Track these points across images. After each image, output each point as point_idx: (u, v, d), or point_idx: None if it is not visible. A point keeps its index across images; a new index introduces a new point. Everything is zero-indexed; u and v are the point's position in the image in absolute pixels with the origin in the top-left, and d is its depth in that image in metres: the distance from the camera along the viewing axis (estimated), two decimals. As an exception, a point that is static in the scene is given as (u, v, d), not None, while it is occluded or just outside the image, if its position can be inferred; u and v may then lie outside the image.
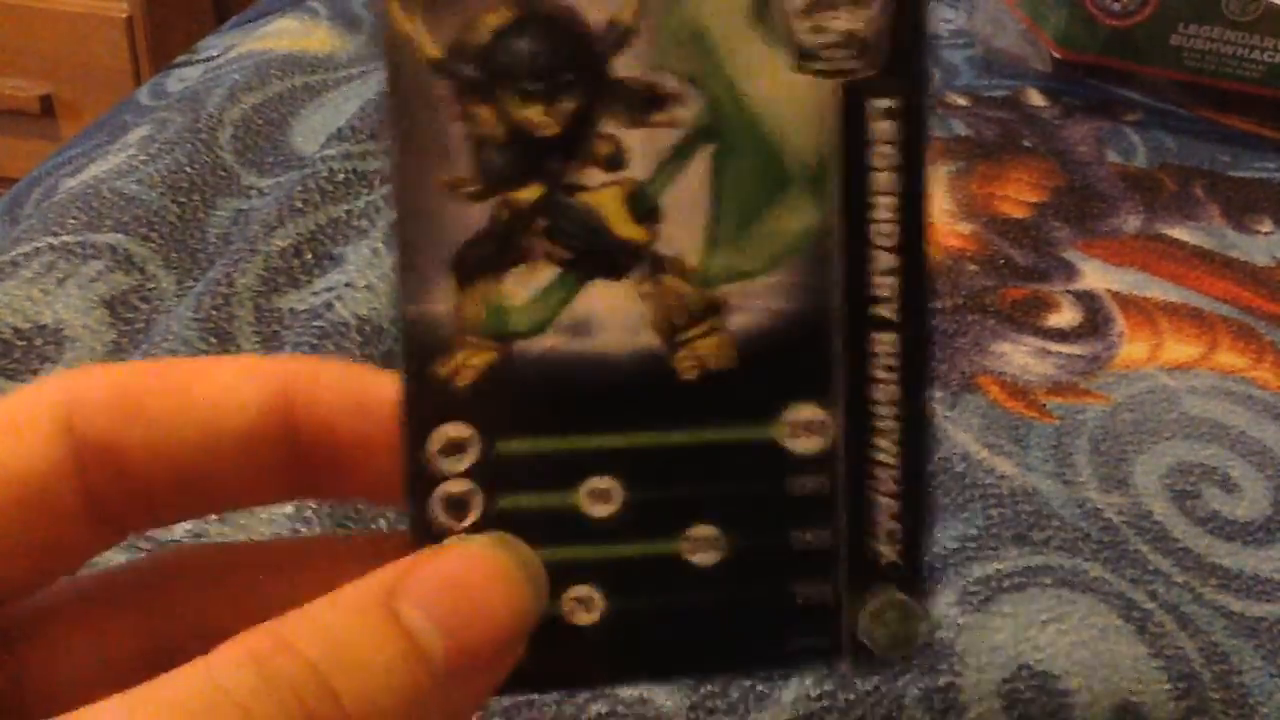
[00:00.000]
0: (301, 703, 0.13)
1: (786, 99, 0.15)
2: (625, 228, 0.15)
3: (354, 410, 0.17)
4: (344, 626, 0.14)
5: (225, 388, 0.16)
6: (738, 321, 0.16)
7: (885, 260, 0.16)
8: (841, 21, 0.15)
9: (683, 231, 0.15)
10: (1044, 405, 0.29)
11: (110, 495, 0.16)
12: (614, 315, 0.16)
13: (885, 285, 0.16)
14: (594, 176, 0.15)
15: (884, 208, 0.16)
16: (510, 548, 0.16)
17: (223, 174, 0.36)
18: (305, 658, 0.13)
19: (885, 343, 0.16)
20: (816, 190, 0.16)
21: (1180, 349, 0.32)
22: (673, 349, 0.16)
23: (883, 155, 0.16)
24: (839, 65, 0.15)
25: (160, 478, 0.16)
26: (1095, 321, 0.33)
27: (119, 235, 0.33)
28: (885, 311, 0.16)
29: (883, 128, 0.16)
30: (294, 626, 0.14)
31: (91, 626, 0.17)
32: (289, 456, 0.17)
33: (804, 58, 0.15)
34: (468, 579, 0.15)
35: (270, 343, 0.30)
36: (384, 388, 0.17)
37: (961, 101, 0.43)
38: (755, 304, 0.16)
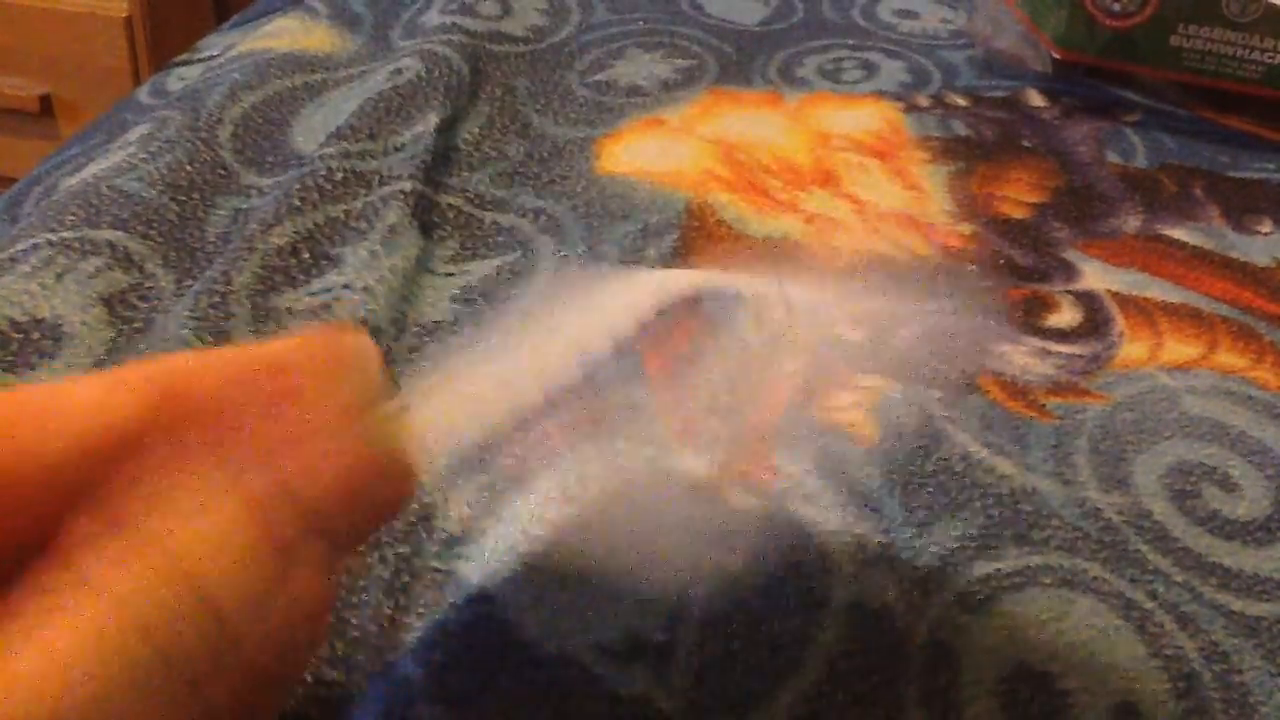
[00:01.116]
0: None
1: None
2: None
3: None
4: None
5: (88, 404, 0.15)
6: None
7: None
8: None
9: None
10: (1044, 405, 0.29)
11: None
12: None
13: None
14: None
15: None
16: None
17: (222, 172, 0.36)
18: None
19: None
20: None
21: (1180, 349, 0.32)
22: None
23: None
24: None
25: None
26: (1095, 321, 0.33)
27: (118, 232, 0.33)
28: None
29: None
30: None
31: None
32: None
33: None
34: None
35: (269, 341, 0.30)
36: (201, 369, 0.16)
37: (961, 101, 0.43)
38: None
